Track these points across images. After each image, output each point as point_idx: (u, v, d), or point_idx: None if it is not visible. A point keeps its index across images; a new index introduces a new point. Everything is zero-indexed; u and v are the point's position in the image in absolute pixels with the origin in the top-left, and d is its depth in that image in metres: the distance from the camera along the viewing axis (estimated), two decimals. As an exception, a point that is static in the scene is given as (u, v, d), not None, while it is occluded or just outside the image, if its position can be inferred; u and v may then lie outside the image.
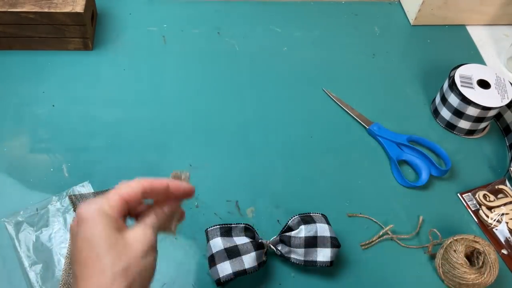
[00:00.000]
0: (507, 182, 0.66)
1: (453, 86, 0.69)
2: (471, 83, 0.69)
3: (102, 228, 0.36)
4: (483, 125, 0.71)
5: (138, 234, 0.38)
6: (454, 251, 0.56)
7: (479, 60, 0.84)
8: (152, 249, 0.38)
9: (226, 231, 0.55)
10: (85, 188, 0.61)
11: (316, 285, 0.56)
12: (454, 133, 0.72)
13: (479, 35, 0.88)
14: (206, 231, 0.56)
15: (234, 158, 0.66)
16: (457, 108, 0.69)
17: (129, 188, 0.39)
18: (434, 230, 0.60)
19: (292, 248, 0.55)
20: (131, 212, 0.41)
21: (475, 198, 0.65)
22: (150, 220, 0.40)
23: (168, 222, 0.43)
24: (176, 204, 0.43)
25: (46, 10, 0.69)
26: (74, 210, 0.57)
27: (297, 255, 0.55)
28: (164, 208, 0.42)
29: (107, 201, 0.38)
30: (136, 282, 0.36)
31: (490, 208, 0.63)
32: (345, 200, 0.64)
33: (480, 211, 0.63)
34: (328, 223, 0.57)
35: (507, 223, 0.62)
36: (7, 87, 0.70)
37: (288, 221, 0.56)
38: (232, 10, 0.86)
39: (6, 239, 0.56)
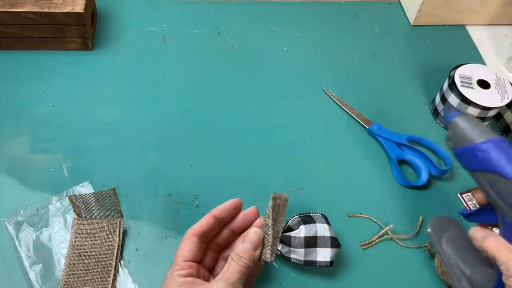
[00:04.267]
0: (507, 182, 0.66)
1: (453, 86, 0.69)
2: (471, 83, 0.69)
3: None
4: (483, 125, 0.71)
5: None
6: (454, 251, 0.56)
7: (479, 60, 0.84)
8: None
9: (226, 231, 0.55)
10: (85, 188, 0.61)
11: (316, 285, 0.56)
12: (454, 133, 0.72)
13: (479, 35, 0.88)
14: (206, 231, 0.56)
15: (234, 158, 0.66)
16: (457, 108, 0.69)
17: (190, 239, 0.43)
18: (434, 229, 0.60)
19: (292, 248, 0.55)
20: (213, 247, 0.45)
21: (475, 198, 0.65)
22: (230, 272, 0.40)
23: (257, 257, 0.42)
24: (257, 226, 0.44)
25: (46, 10, 0.69)
26: (74, 211, 0.57)
27: (297, 255, 0.55)
28: (245, 245, 0.42)
29: (176, 271, 0.41)
30: None
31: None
32: (345, 200, 0.64)
33: (480, 211, 0.63)
34: (328, 223, 0.57)
35: (507, 223, 0.62)
36: (7, 87, 0.70)
37: (288, 221, 0.56)
38: (232, 10, 0.86)
39: (6, 239, 0.56)
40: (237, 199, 0.45)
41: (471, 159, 0.45)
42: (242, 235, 0.44)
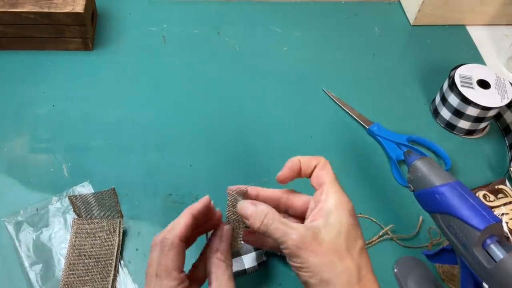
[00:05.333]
0: (507, 182, 0.66)
1: (453, 86, 0.69)
2: (471, 83, 0.69)
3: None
4: (483, 125, 0.71)
5: None
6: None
7: (479, 60, 0.84)
8: None
9: (226, 231, 0.55)
10: (85, 188, 0.61)
11: (316, 285, 0.56)
12: (454, 133, 0.72)
13: (479, 35, 0.88)
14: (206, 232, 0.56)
15: (234, 158, 0.66)
16: (457, 108, 0.69)
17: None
18: (434, 227, 0.60)
19: (292, 248, 0.55)
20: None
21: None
22: (227, 278, 0.40)
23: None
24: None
25: (46, 10, 0.69)
26: (74, 211, 0.57)
27: (297, 255, 0.55)
28: (224, 244, 0.43)
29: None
30: None
31: (489, 208, 0.63)
32: (345, 200, 0.64)
33: (480, 211, 0.63)
34: (328, 223, 0.57)
35: (507, 223, 0.62)
36: (7, 87, 0.70)
37: (288, 221, 0.56)
38: (232, 10, 0.86)
39: (6, 239, 0.56)
40: (206, 197, 0.44)
41: (430, 202, 0.47)
42: (218, 235, 0.43)
